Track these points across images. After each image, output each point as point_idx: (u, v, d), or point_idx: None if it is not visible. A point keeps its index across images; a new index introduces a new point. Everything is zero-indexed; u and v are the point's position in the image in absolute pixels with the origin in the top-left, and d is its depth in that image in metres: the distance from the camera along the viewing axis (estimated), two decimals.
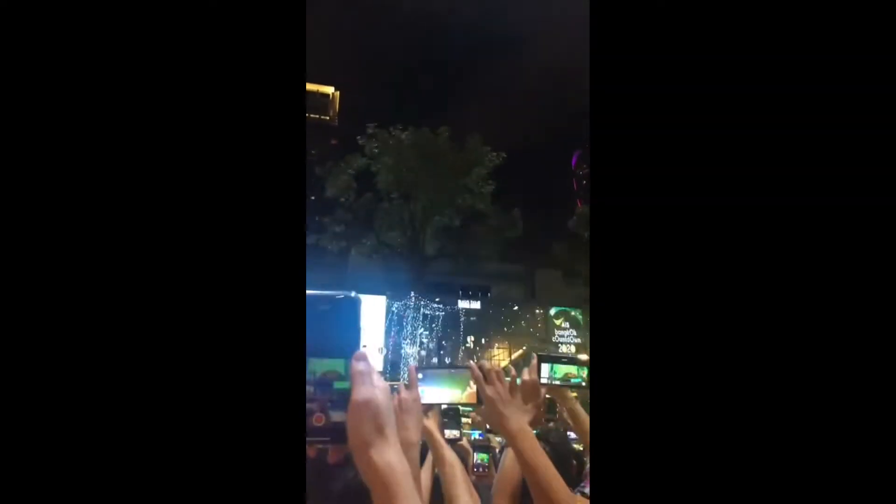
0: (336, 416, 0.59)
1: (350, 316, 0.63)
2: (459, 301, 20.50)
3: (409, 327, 18.97)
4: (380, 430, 0.56)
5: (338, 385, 0.60)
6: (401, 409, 0.92)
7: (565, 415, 1.75)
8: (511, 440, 1.05)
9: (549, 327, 22.72)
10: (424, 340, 19.46)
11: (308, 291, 0.64)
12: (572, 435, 2.12)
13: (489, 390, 1.05)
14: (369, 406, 0.56)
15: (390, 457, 0.56)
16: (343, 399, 0.59)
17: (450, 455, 1.29)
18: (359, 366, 0.58)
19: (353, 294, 0.64)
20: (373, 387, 0.58)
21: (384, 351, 18.19)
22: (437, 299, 19.75)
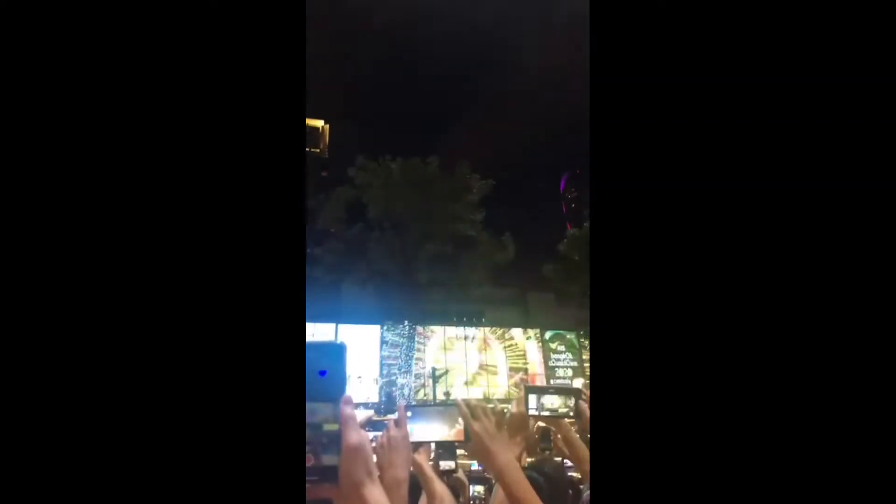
0: (326, 459, 0.62)
1: (336, 363, 0.66)
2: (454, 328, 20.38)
3: (403, 356, 18.74)
4: (370, 472, 0.62)
5: (327, 427, 0.63)
6: (389, 447, 0.93)
7: (560, 443, 1.75)
8: (498, 475, 1.06)
9: (544, 351, 22.53)
10: (419, 370, 19.21)
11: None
12: (568, 463, 2.11)
13: (476, 426, 1.06)
14: (361, 450, 0.61)
15: (379, 496, 0.61)
16: (331, 441, 0.62)
17: (440, 489, 1.29)
18: (346, 410, 0.62)
19: (339, 342, 0.67)
20: (360, 431, 0.63)
21: (379, 381, 17.92)
22: (430, 327, 19.62)
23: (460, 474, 2.75)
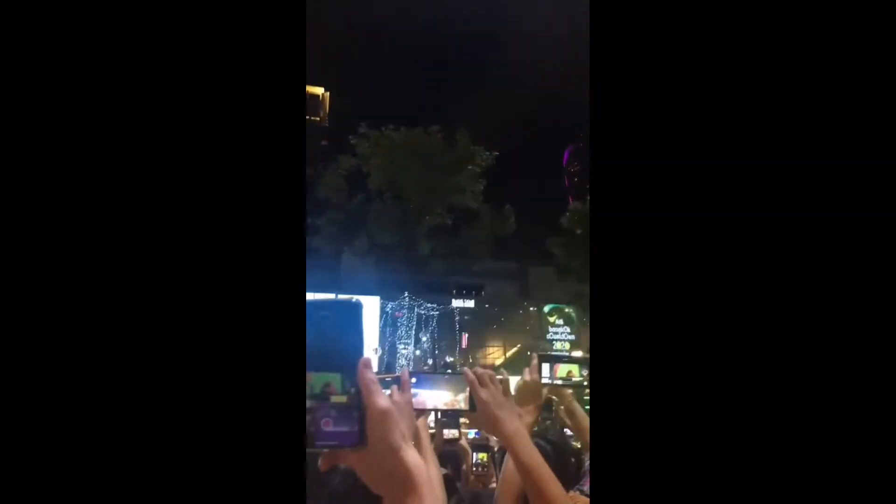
0: (346, 425, 0.57)
1: (352, 323, 0.59)
2: (453, 300, 20.52)
3: (403, 328, 18.94)
4: (404, 435, 0.58)
5: (334, 399, 0.57)
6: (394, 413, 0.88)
7: (562, 413, 1.72)
8: (507, 443, 1.03)
9: (542, 324, 22.78)
10: (420, 341, 19.46)
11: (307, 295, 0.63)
12: (569, 432, 2.09)
13: (483, 393, 1.03)
14: (391, 414, 0.57)
15: (417, 458, 0.58)
16: (342, 414, 0.57)
17: (435, 474, 1.25)
18: (368, 374, 0.58)
19: (353, 299, 0.60)
20: (385, 394, 0.59)
21: (379, 352, 18.18)
22: (430, 299, 19.78)
23: (463, 442, 2.75)
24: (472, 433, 4.48)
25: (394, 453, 0.57)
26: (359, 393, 0.57)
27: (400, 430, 0.58)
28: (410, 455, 0.58)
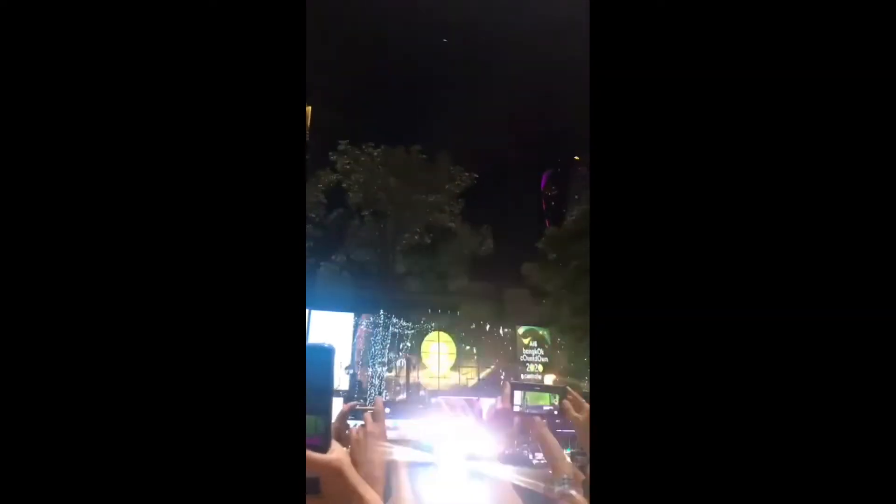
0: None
1: (324, 368, 0.61)
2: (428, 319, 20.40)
3: (377, 346, 18.69)
4: (367, 476, 0.64)
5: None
6: (366, 444, 0.89)
7: (532, 439, 1.74)
8: (478, 471, 1.03)
9: (517, 346, 22.79)
10: (392, 360, 19.20)
11: None
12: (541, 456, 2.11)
13: (456, 423, 1.03)
14: (344, 467, 0.59)
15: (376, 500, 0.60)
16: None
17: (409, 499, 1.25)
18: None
19: (326, 344, 0.62)
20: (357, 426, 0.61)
21: (351, 371, 17.84)
22: (406, 317, 19.60)
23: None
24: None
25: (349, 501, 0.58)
26: (328, 435, 0.59)
27: (356, 478, 0.59)
28: (368, 498, 0.58)
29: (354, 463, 0.88)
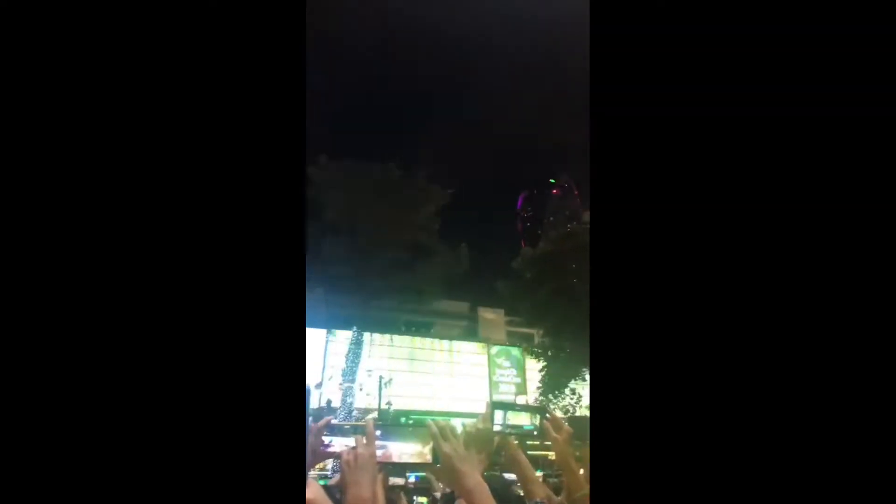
0: None
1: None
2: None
3: (348, 362, 18.38)
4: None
5: None
6: (356, 466, 0.88)
7: (503, 460, 1.74)
8: (467, 496, 1.03)
9: (490, 366, 22.75)
10: (365, 378, 18.88)
11: None
12: (513, 477, 2.11)
13: (446, 447, 1.03)
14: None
15: None
16: None
17: None
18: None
19: None
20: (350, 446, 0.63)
21: (322, 387, 17.46)
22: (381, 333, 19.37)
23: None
24: (411, 476, 4.36)
25: None
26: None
27: None
28: None
29: (345, 485, 0.88)
